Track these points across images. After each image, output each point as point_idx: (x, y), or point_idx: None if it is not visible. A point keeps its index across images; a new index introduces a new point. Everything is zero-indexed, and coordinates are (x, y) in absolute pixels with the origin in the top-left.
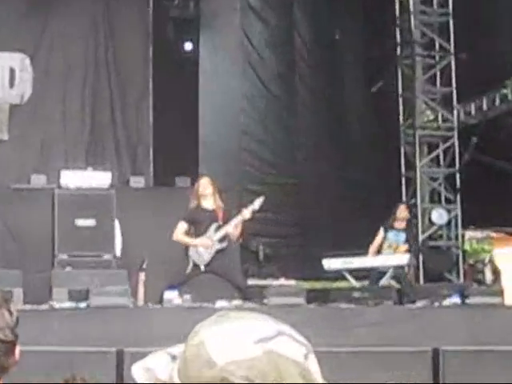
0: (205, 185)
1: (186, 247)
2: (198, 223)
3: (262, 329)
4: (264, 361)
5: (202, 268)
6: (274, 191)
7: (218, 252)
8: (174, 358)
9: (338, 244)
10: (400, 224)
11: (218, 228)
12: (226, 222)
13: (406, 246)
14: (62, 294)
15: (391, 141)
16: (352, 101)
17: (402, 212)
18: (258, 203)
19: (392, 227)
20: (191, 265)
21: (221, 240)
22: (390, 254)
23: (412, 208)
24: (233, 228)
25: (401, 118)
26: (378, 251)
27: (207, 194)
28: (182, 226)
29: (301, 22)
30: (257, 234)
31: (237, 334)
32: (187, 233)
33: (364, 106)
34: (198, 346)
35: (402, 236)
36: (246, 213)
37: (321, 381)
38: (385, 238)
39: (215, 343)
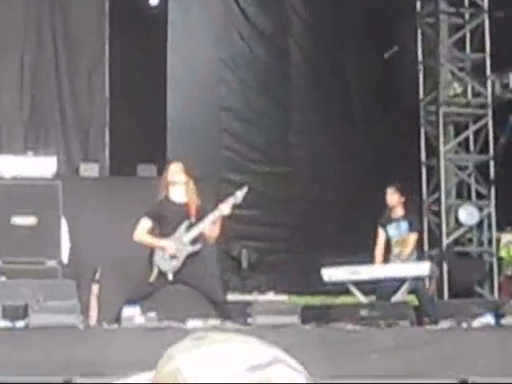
0: (175, 171)
1: (150, 250)
2: (166, 220)
3: (254, 354)
4: None
5: (170, 277)
6: (261, 182)
7: (190, 257)
8: None
9: (340, 249)
10: (396, 212)
11: (190, 226)
12: (200, 218)
13: (413, 234)
14: None
15: (409, 120)
16: (359, 69)
17: (391, 197)
18: (240, 195)
19: (389, 220)
20: (156, 273)
21: (193, 242)
22: (403, 261)
23: (429, 203)
24: (209, 226)
25: (421, 91)
26: (386, 254)
27: (178, 182)
28: (146, 223)
29: None
30: (240, 237)
31: (222, 359)
32: (152, 232)
33: (374, 76)
34: (174, 375)
35: (403, 225)
36: (226, 207)
37: None
38: (387, 236)
39: (195, 371)
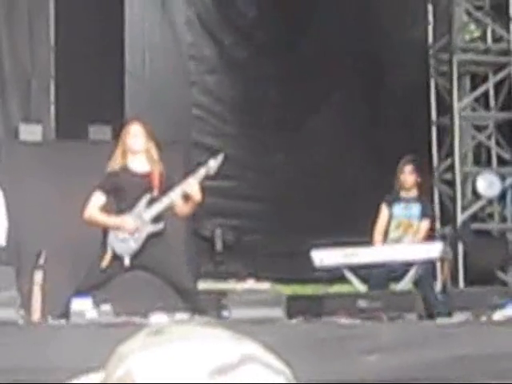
0: (135, 135)
1: (104, 230)
2: (123, 194)
3: (220, 352)
4: None
5: (127, 261)
6: (238, 147)
7: (151, 237)
8: None
9: (333, 228)
10: (408, 192)
11: (152, 201)
12: (164, 191)
13: (425, 222)
14: None
15: (415, 70)
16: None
17: (408, 176)
18: (214, 165)
19: (398, 199)
20: (109, 257)
21: (155, 219)
22: (406, 239)
23: (441, 171)
24: (174, 200)
25: (430, 36)
26: (385, 236)
27: (138, 147)
28: (98, 198)
29: None
30: (213, 213)
31: (182, 360)
32: (106, 208)
33: (369, 15)
34: (124, 379)
35: (415, 208)
36: (194, 181)
37: None
38: (391, 215)
39: (149, 374)
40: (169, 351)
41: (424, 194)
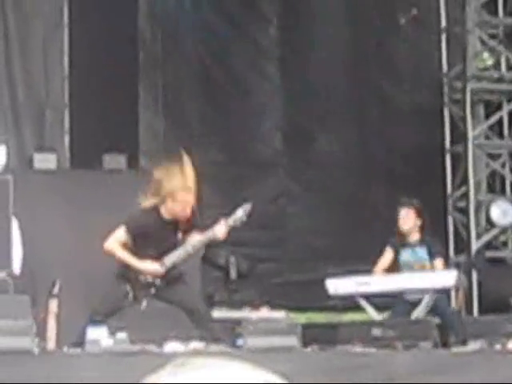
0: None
1: (122, 266)
2: (147, 238)
3: (240, 380)
4: None
5: (144, 303)
6: (253, 176)
7: (170, 282)
8: None
9: (348, 257)
10: (410, 236)
11: (175, 246)
12: (189, 229)
13: (437, 260)
14: None
15: (429, 98)
16: (372, 37)
17: (406, 220)
18: (242, 214)
19: (403, 245)
20: (131, 295)
21: (173, 268)
22: (424, 270)
23: (455, 199)
24: (195, 250)
25: (444, 64)
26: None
27: (188, 200)
28: (122, 235)
29: None
30: (226, 242)
31: None
32: (125, 245)
33: (388, 46)
34: None
35: (422, 252)
36: (221, 230)
37: None
38: (397, 260)
39: None
40: (193, 377)
41: (426, 235)
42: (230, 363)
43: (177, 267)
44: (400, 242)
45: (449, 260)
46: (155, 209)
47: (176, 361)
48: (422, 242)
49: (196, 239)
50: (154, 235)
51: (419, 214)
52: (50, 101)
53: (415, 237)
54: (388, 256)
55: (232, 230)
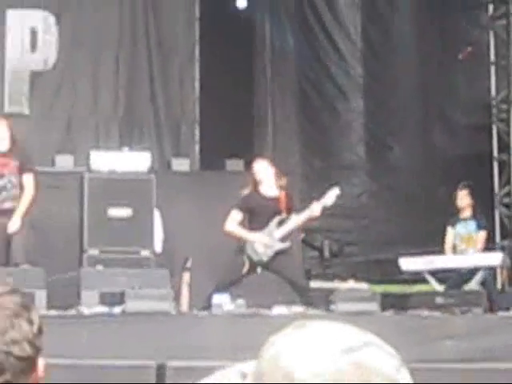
0: (261, 171)
1: (241, 242)
2: (255, 214)
3: (347, 338)
4: (351, 373)
5: (259, 270)
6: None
7: (279, 253)
8: (244, 376)
9: (413, 242)
10: (465, 213)
11: (281, 223)
12: (289, 210)
13: (481, 233)
14: (93, 298)
15: (481, 117)
16: (438, 68)
17: (463, 199)
18: (332, 196)
19: (458, 220)
20: (247, 265)
21: (283, 238)
22: (475, 252)
23: (501, 196)
24: (299, 223)
25: (493, 90)
26: (454, 249)
27: (266, 180)
28: (236, 214)
29: None
30: (321, 229)
31: (318, 343)
32: (241, 224)
33: (449, 75)
34: (275, 358)
35: (472, 224)
36: (317, 208)
37: None
38: (455, 233)
39: (294, 354)
40: (308, 336)
41: (477, 212)
42: (336, 325)
43: (284, 240)
44: (456, 217)
45: (495, 244)
46: (255, 191)
47: (295, 323)
48: (472, 217)
49: (298, 217)
50: (258, 211)
51: (472, 193)
52: (184, 117)
53: (468, 213)
54: (450, 235)
55: (325, 220)
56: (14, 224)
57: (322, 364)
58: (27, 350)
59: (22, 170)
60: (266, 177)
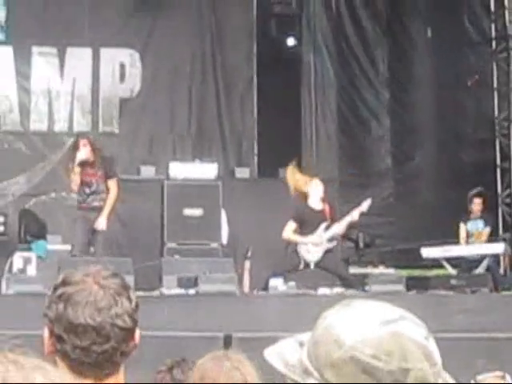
0: (313, 187)
1: (295, 244)
2: (306, 224)
3: (386, 313)
4: (389, 340)
5: (312, 266)
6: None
7: (327, 252)
8: (301, 344)
9: (434, 232)
10: (475, 213)
11: (328, 227)
12: (333, 219)
13: (486, 229)
14: (172, 281)
15: (487, 132)
16: (447, 91)
17: (477, 205)
18: (366, 205)
19: (469, 219)
20: (303, 263)
21: (330, 239)
22: (482, 243)
23: (503, 197)
24: (342, 228)
25: (496, 110)
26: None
27: (314, 195)
28: (292, 225)
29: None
30: (357, 225)
31: (363, 316)
32: (295, 231)
33: (458, 99)
34: (327, 329)
35: (480, 223)
36: (355, 214)
37: (440, 361)
38: (468, 230)
39: (343, 325)
40: (353, 312)
41: (485, 213)
42: (375, 303)
43: (331, 241)
44: (468, 217)
45: (498, 236)
46: (306, 204)
47: (343, 301)
48: (481, 217)
49: (341, 223)
50: (308, 220)
51: (485, 201)
52: (245, 135)
53: (478, 213)
54: (462, 230)
55: (360, 217)
56: (100, 223)
57: (365, 333)
58: (128, 322)
59: (106, 177)
60: (316, 193)
